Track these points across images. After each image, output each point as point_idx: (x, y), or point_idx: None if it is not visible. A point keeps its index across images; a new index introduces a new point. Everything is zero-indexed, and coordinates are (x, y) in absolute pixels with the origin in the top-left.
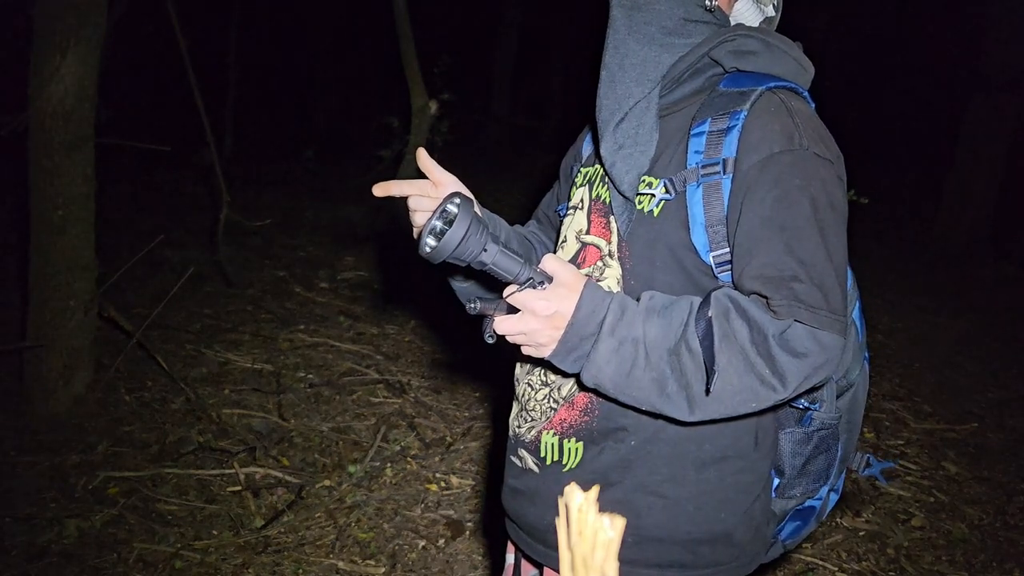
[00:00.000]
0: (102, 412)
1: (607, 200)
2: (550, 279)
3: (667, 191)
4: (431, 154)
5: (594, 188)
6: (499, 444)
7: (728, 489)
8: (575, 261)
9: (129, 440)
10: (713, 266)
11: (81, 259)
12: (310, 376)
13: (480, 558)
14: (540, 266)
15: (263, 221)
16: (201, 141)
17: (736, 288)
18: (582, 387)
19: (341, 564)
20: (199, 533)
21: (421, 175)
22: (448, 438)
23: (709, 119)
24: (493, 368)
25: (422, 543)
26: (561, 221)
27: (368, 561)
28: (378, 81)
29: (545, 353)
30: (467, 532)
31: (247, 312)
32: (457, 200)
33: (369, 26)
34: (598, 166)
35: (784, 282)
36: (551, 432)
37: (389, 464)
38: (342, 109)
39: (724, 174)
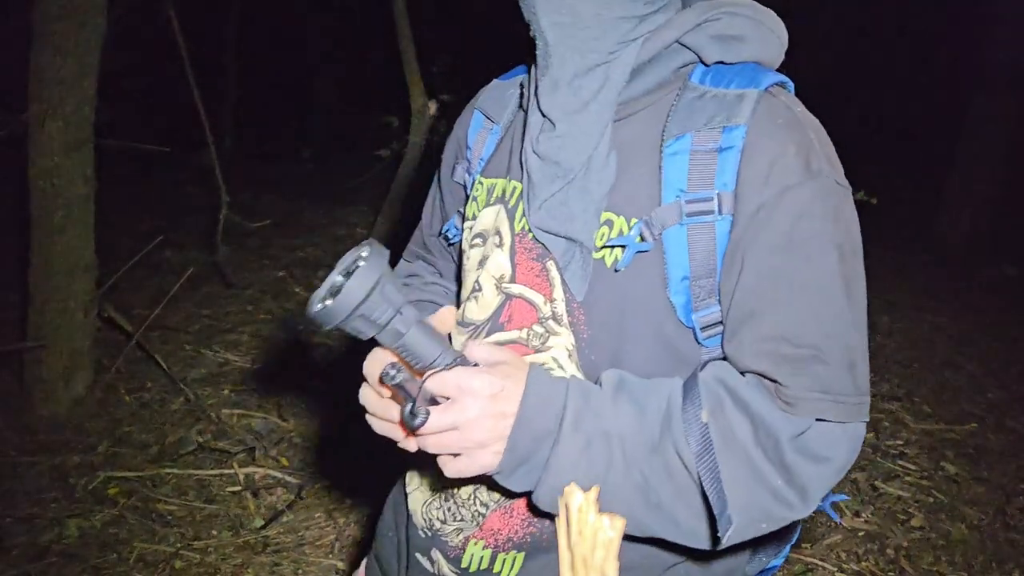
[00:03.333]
0: (102, 413)
1: (537, 238)
2: (473, 364)
3: (643, 239)
4: (430, 155)
5: (516, 216)
6: None
7: None
8: (497, 319)
9: (129, 440)
10: (697, 329)
11: (81, 260)
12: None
13: None
14: (466, 352)
15: (262, 222)
16: (201, 142)
17: (730, 358)
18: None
19: (341, 564)
20: (199, 533)
21: (420, 175)
22: None
23: (690, 134)
24: None
25: None
26: (460, 252)
27: None
28: (378, 81)
29: (484, 462)
30: None
31: (246, 312)
32: (366, 250)
33: (369, 26)
34: (514, 182)
35: (802, 364)
36: (481, 543)
37: None
38: (342, 109)
39: (720, 214)
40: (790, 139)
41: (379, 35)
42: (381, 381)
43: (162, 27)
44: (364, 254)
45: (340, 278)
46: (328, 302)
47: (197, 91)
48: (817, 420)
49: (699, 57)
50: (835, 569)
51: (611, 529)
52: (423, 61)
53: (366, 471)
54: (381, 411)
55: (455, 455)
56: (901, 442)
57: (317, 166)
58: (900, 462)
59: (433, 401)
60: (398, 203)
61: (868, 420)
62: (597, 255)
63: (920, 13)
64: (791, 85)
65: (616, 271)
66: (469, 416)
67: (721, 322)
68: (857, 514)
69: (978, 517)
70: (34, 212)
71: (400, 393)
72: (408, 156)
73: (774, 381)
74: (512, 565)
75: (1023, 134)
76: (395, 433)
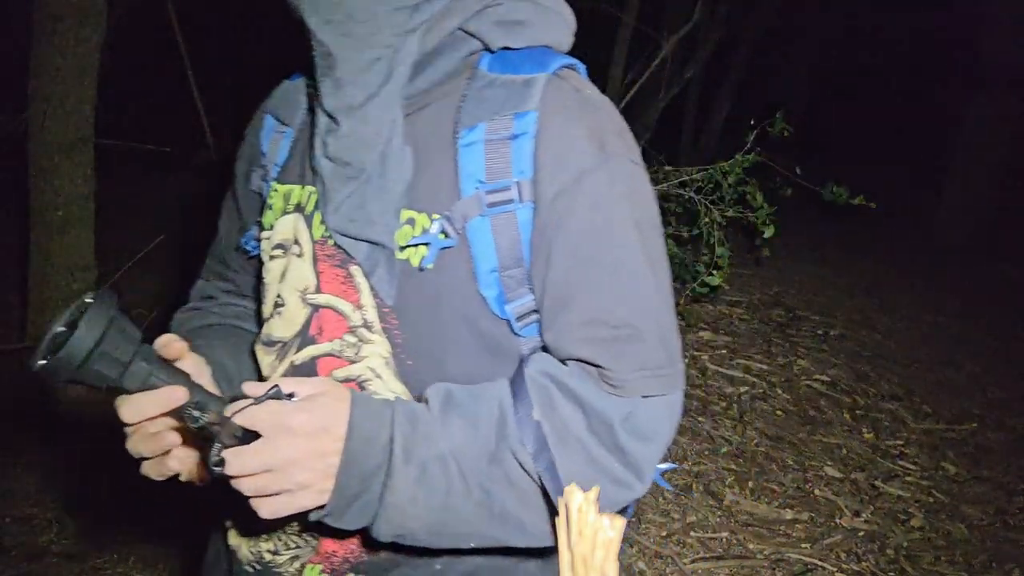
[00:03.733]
0: (102, 412)
1: (338, 243)
2: (288, 396)
3: (446, 235)
4: None
5: (314, 223)
6: None
7: None
8: (306, 333)
9: None
10: (512, 320)
11: (81, 259)
12: None
13: None
14: (281, 384)
15: None
16: (201, 142)
17: (549, 347)
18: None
19: None
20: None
21: None
22: None
23: (483, 124)
24: None
25: None
26: (260, 265)
27: None
28: None
29: (305, 502)
30: None
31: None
32: (91, 296)
33: None
34: (309, 187)
35: (621, 344)
36: (317, 568)
37: None
38: None
39: (520, 202)
40: (581, 122)
41: None
42: (182, 421)
43: (162, 27)
44: (88, 300)
45: (62, 328)
46: (52, 355)
47: (197, 91)
48: (643, 397)
49: (485, 44)
50: (835, 569)
51: (611, 529)
52: None
53: None
54: (161, 456)
55: (272, 494)
56: (901, 442)
57: None
58: (900, 462)
59: (244, 438)
60: None
61: (685, 388)
62: (402, 255)
63: (920, 13)
64: (582, 67)
65: (422, 270)
66: (286, 457)
67: (536, 311)
68: (857, 514)
69: (978, 517)
70: (34, 211)
71: (199, 435)
72: None
73: (597, 366)
74: None
75: (1022, 134)
76: (186, 474)
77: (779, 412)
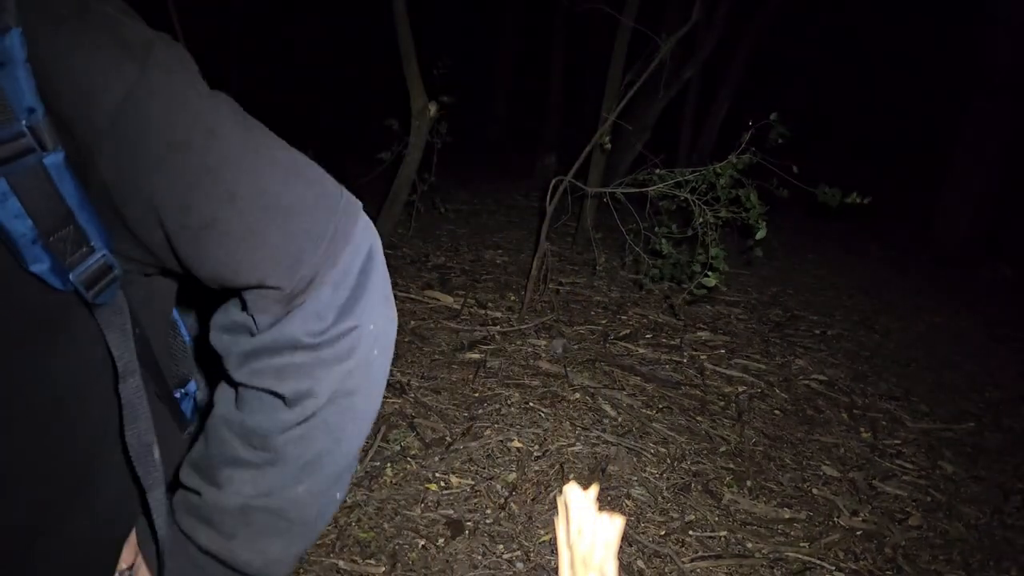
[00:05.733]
0: None
1: None
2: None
3: None
4: (431, 155)
5: None
6: (500, 444)
7: None
8: None
9: None
10: (82, 288)
11: None
12: None
13: (480, 558)
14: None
15: None
16: None
17: (205, 280)
18: None
19: (341, 563)
20: None
21: (420, 177)
22: (448, 438)
23: None
24: (492, 369)
25: (422, 542)
26: None
27: (368, 560)
28: (378, 82)
29: None
30: (467, 532)
31: None
32: None
33: (369, 27)
34: None
35: (292, 249)
36: None
37: (389, 464)
38: (342, 110)
39: (45, 151)
40: (87, 30)
41: (380, 36)
42: None
43: (162, 26)
44: None
45: None
46: None
47: None
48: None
49: None
50: (833, 568)
51: (610, 528)
52: (423, 62)
53: None
54: None
55: None
56: (899, 441)
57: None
58: (898, 461)
59: None
60: (399, 204)
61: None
62: None
63: (919, 14)
64: None
65: None
66: None
67: (110, 268)
68: (855, 513)
69: (976, 516)
70: None
71: None
72: (409, 157)
73: (278, 289)
74: None
75: (1020, 135)
76: None
77: (777, 412)
